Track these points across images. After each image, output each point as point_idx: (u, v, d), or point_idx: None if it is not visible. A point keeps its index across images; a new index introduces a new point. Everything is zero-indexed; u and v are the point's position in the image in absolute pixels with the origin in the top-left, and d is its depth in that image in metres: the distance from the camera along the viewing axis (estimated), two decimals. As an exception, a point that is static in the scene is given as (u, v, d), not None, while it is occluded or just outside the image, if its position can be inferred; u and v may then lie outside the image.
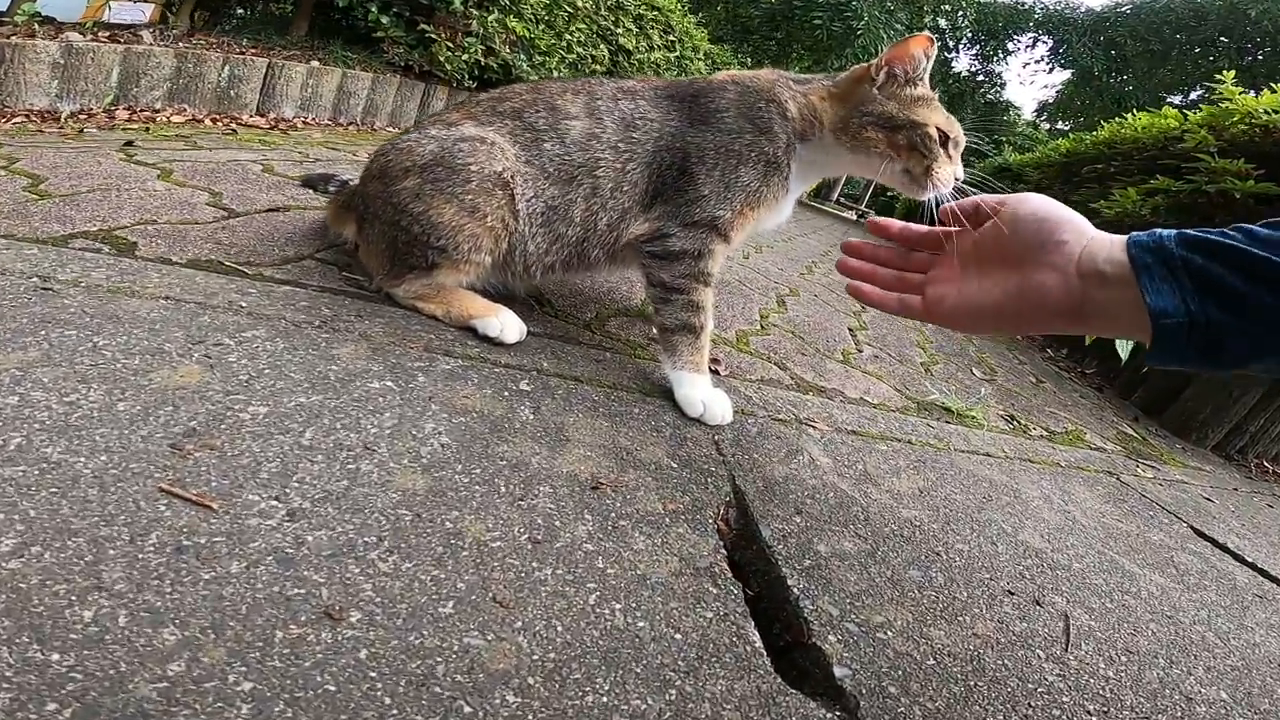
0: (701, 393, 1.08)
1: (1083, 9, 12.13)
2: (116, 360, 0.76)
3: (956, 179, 1.06)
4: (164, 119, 2.83)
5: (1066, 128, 12.67)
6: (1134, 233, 0.71)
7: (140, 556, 0.53)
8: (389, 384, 0.87)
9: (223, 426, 0.69)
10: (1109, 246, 0.71)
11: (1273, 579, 1.32)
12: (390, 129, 3.78)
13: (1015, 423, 1.81)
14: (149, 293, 0.94)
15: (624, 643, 0.59)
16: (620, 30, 5.15)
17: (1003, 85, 12.92)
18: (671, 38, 5.94)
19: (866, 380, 1.64)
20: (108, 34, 2.96)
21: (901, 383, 1.74)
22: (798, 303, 2.16)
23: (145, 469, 0.61)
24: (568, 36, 4.61)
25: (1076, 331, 0.76)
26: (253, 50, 3.39)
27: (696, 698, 0.56)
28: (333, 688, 0.47)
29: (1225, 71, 3.15)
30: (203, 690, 0.45)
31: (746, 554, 0.80)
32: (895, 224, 0.89)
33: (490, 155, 1.06)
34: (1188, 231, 0.70)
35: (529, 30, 4.22)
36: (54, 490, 0.56)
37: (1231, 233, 0.68)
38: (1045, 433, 1.83)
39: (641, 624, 0.62)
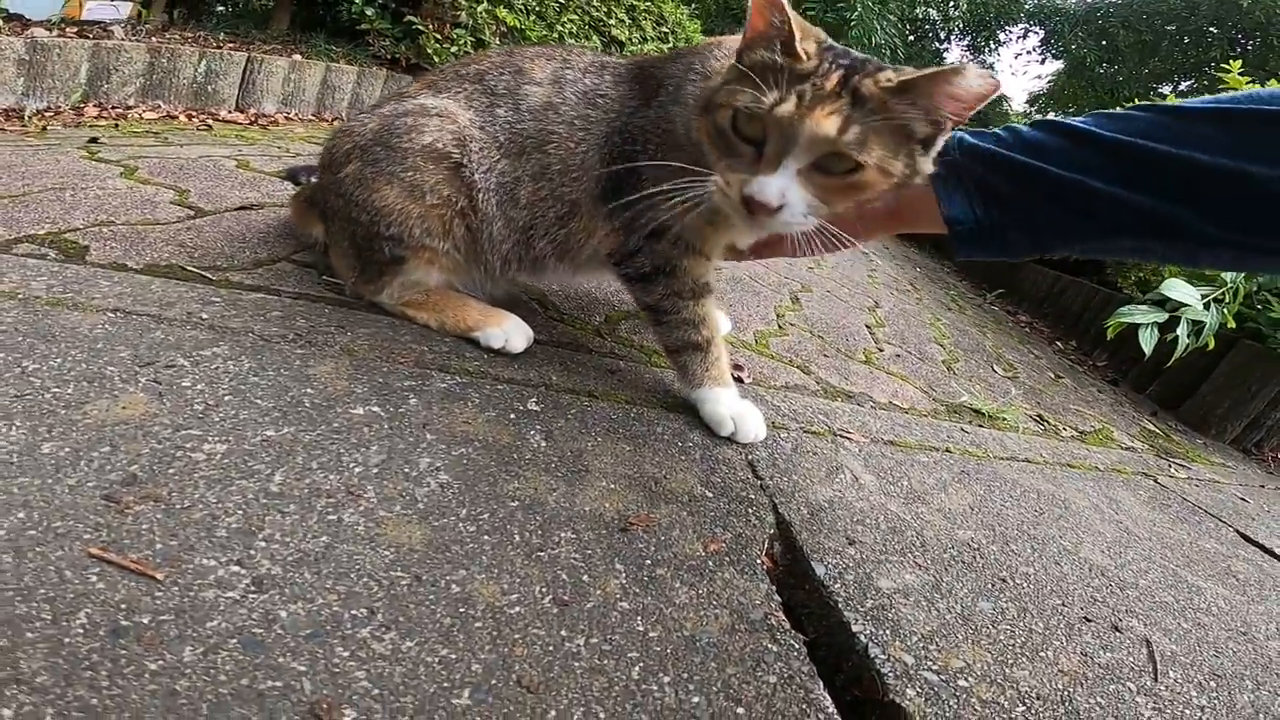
0: (729, 408, 0.96)
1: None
2: (46, 389, 0.63)
3: (760, 201, 0.76)
4: (136, 115, 2.70)
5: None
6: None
7: (67, 641, 0.41)
8: (375, 409, 0.74)
9: (170, 471, 0.57)
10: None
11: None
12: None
13: (1045, 423, 1.71)
14: (94, 305, 0.81)
15: (677, 729, 0.48)
16: (613, 21, 5.02)
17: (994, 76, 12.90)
18: (664, 29, 5.81)
19: (892, 382, 1.53)
20: (76, 30, 2.83)
21: (927, 383, 1.64)
22: (812, 299, 2.05)
23: (73, 528, 0.49)
24: (559, 28, 4.49)
25: (900, 229, 0.91)
26: (230, 45, 3.26)
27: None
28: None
29: (1231, 61, 3.06)
30: None
31: (799, 594, 0.69)
32: None
33: (430, 127, 0.93)
34: (969, 140, 0.83)
35: (519, 21, 4.11)
36: (-44, 560, 0.44)
37: (1004, 135, 0.82)
38: (1075, 433, 1.74)
39: (696, 699, 0.51)
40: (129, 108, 2.75)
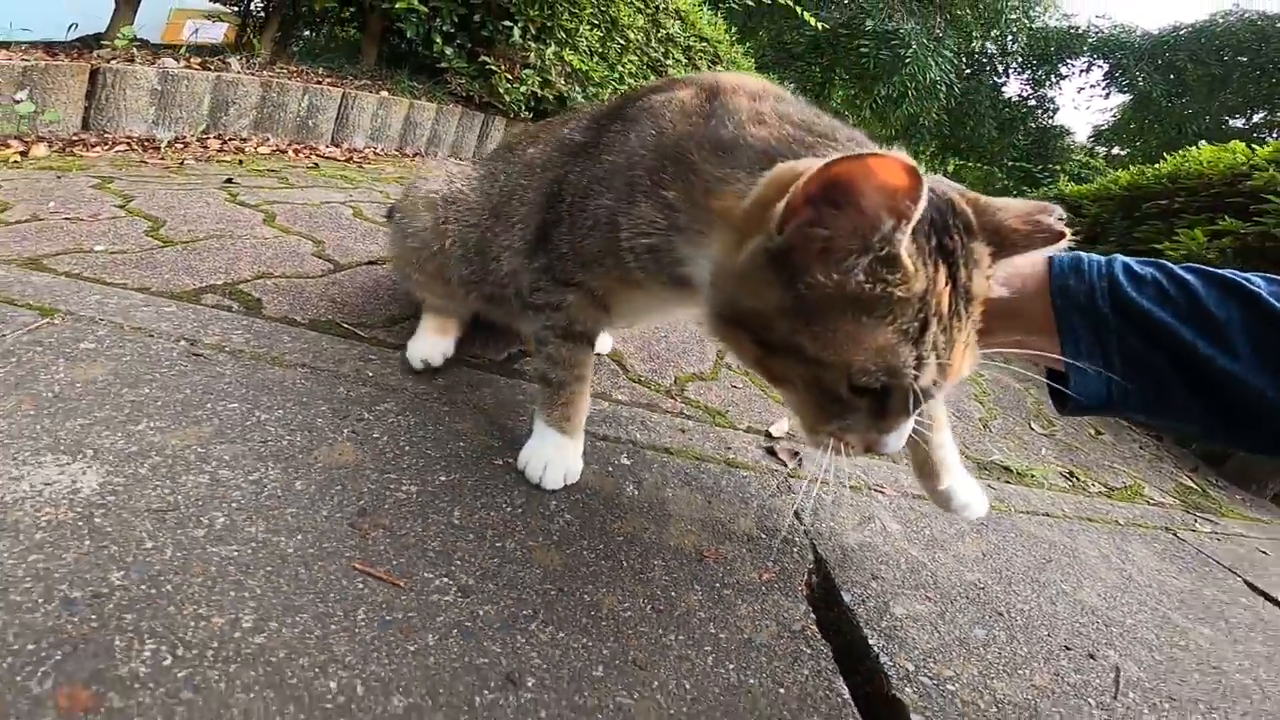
0: (541, 452, 0.98)
1: (1139, 32, 11.98)
2: (281, 437, 0.90)
3: (885, 452, 0.69)
4: (252, 149, 3.02)
5: (1124, 153, 12.53)
6: (1060, 265, 0.69)
7: (357, 631, 0.66)
8: (510, 460, 1.00)
9: (385, 505, 0.83)
10: (1024, 279, 0.70)
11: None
12: (453, 160, 3.97)
13: (1074, 479, 1.88)
14: (287, 360, 1.09)
15: (740, 697, 0.71)
16: (670, 62, 5.33)
17: (1056, 110, 12.85)
18: (719, 67, 6.10)
19: (926, 436, 1.74)
20: (199, 60, 3.15)
21: (962, 441, 1.83)
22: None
23: (337, 548, 0.74)
24: (619, 68, 4.79)
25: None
26: (329, 80, 3.59)
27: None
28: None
29: None
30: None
31: (829, 615, 0.91)
32: None
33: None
34: (1126, 289, 0.67)
35: (584, 63, 4.40)
36: (269, 569, 0.70)
37: (1173, 291, 0.66)
38: (1104, 489, 1.91)
39: (752, 680, 0.74)
40: (244, 140, 3.08)
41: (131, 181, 1.92)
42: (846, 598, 0.93)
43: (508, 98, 4.09)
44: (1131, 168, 6.63)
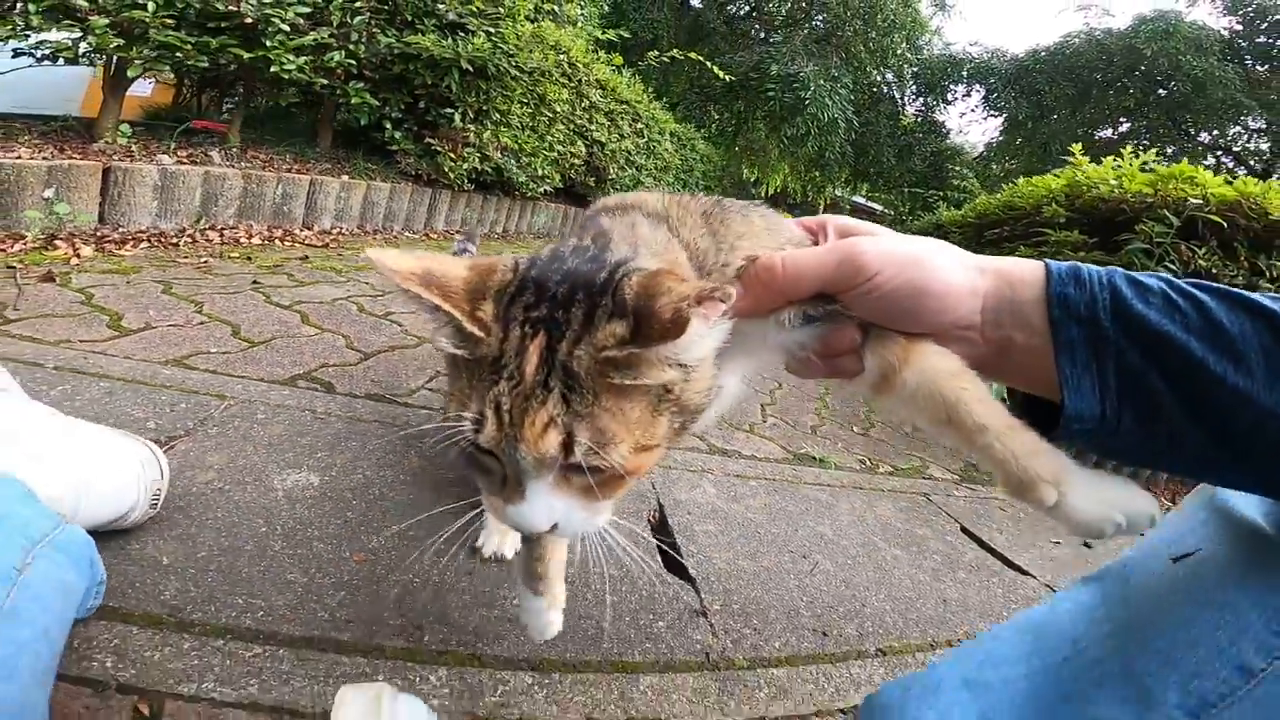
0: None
1: (1008, 57, 13.55)
2: (384, 456, 1.75)
3: (530, 530, 0.74)
4: (244, 239, 3.70)
5: (1006, 171, 14.05)
6: (1059, 274, 0.67)
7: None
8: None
9: (448, 484, 1.69)
10: (1020, 301, 0.68)
11: (997, 555, 2.34)
12: (408, 233, 4.79)
13: (868, 464, 2.83)
14: (364, 419, 1.92)
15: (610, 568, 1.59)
16: (594, 126, 6.27)
17: (946, 134, 14.36)
18: (640, 124, 7.07)
19: (762, 443, 2.67)
20: (187, 155, 3.80)
21: (788, 442, 2.77)
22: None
23: (432, 498, 1.60)
24: (549, 138, 5.70)
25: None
26: (297, 169, 4.32)
27: (634, 584, 1.56)
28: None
29: (1075, 145, 4.20)
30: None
31: (661, 533, 1.80)
32: None
33: None
34: (1130, 301, 0.62)
35: (515, 139, 5.28)
36: (407, 504, 1.55)
37: (1182, 304, 0.61)
38: (892, 469, 2.86)
39: (625, 559, 1.62)
40: (231, 227, 3.76)
41: (184, 284, 2.69)
42: (671, 523, 1.83)
43: (452, 174, 4.92)
44: (979, 198, 7.76)
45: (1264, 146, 14.15)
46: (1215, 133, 13.93)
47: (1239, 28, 13.06)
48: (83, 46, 3.16)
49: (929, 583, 1.93)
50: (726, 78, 8.53)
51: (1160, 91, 12.37)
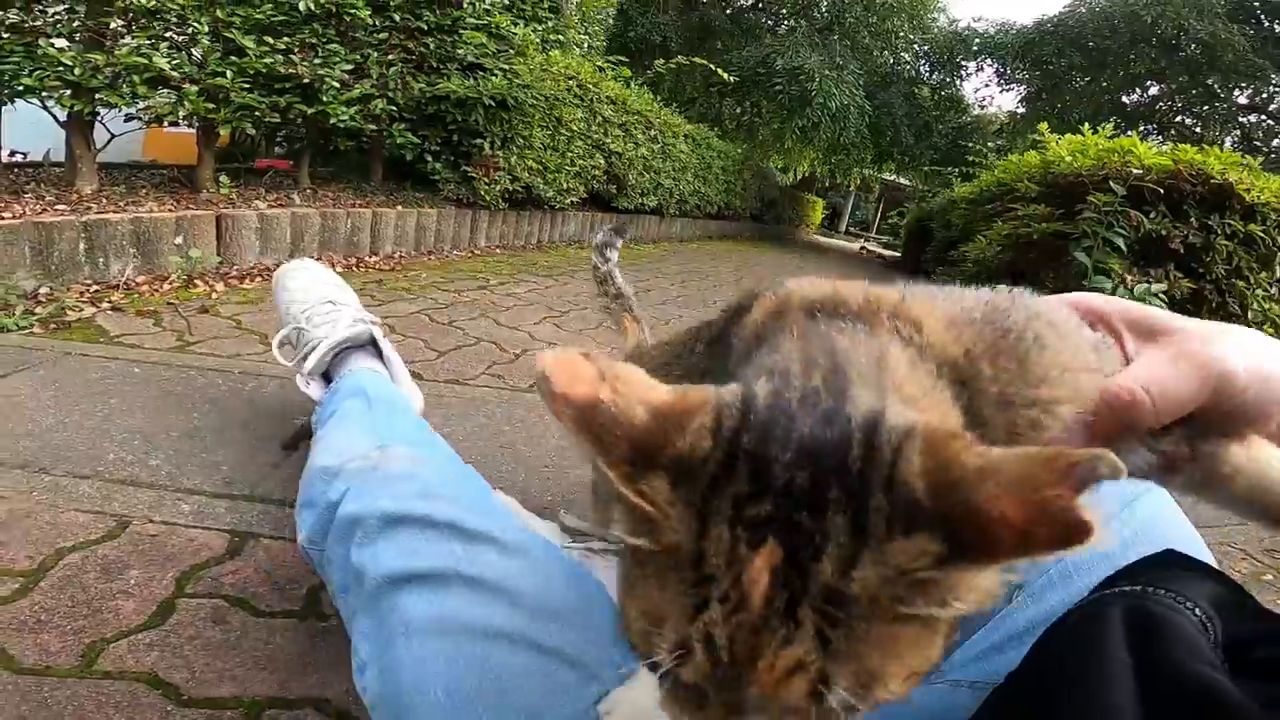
0: None
1: (1015, 29, 13.45)
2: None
3: None
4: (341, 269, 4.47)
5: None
6: None
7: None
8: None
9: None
10: None
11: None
12: (456, 251, 5.58)
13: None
14: (537, 404, 2.70)
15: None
16: (610, 139, 7.00)
17: (966, 109, 14.52)
18: (653, 131, 7.79)
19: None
20: (275, 199, 4.43)
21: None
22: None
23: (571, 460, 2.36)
24: (569, 154, 6.46)
25: None
26: (360, 204, 5.05)
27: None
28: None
29: (1041, 124, 4.74)
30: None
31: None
32: None
33: None
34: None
35: (539, 159, 6.05)
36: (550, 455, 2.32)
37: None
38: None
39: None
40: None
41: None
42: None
43: (488, 196, 5.69)
44: (981, 175, 8.24)
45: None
46: (1250, 92, 13.76)
47: (1248, -14, 12.80)
48: (180, 111, 3.80)
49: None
50: (731, 78, 9.14)
51: (1179, 55, 12.26)
